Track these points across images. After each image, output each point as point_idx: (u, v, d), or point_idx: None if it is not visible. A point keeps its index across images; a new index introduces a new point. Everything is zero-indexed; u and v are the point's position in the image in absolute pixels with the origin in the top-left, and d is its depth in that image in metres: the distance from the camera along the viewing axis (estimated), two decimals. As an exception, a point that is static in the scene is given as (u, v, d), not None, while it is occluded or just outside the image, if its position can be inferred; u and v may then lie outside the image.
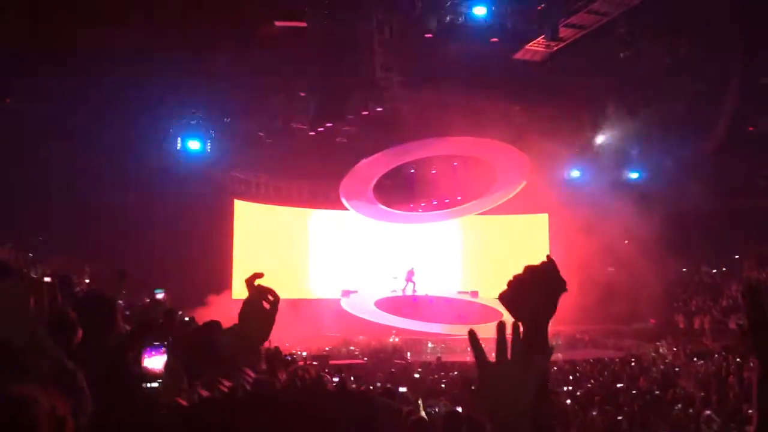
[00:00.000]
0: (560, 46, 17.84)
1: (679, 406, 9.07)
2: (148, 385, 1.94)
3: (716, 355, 17.20)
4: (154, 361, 1.99)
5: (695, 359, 16.67)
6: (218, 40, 17.71)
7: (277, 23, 16.11)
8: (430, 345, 21.20)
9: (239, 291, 23.17)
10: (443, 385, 11.69)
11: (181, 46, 16.94)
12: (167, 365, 1.91)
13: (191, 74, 18.12)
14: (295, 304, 22.27)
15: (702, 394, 10.02)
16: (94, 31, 15.67)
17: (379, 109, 21.83)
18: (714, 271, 25.90)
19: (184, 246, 19.09)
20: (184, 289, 17.44)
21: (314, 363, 11.89)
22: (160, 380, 1.91)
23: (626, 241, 22.32)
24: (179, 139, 21.64)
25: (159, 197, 19.55)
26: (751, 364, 12.41)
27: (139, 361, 1.98)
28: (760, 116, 21.53)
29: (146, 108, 18.81)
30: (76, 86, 16.78)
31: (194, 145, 21.95)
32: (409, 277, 25.21)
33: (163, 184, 19.44)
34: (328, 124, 22.61)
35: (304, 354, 15.54)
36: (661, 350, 19.55)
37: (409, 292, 25.27)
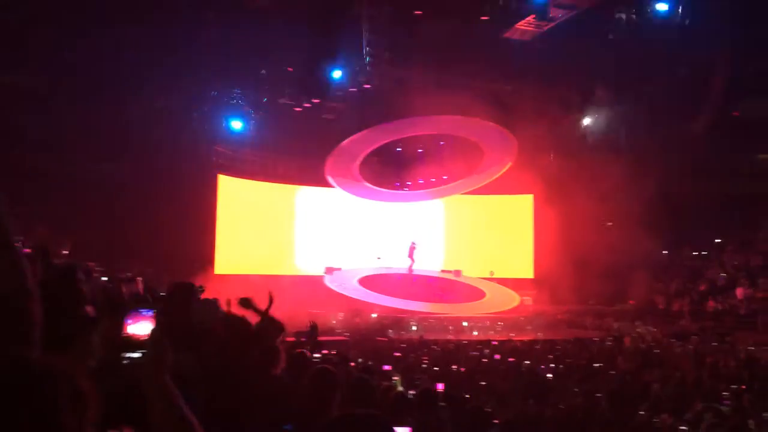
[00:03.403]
0: (550, 25, 17.76)
1: (657, 385, 9.21)
2: (128, 355, 1.82)
3: (694, 336, 17.48)
4: (140, 327, 1.86)
5: (673, 340, 16.92)
6: (205, 11, 17.47)
7: (265, -5, 15.87)
8: (412, 323, 21.32)
9: (222, 266, 23.24)
10: (425, 364, 11.77)
11: (167, 17, 16.70)
12: (153, 334, 1.76)
13: (179, 47, 17.87)
14: (277, 280, 22.29)
15: (678, 374, 10.18)
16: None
17: (366, 86, 21.67)
18: (695, 253, 26.22)
19: (166, 219, 18.96)
20: (166, 263, 17.36)
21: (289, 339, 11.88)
22: (143, 351, 1.75)
23: (609, 223, 22.51)
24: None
25: (142, 170, 19.37)
26: (727, 346, 12.64)
27: (120, 328, 1.88)
28: (746, 101, 21.68)
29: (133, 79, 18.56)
30: (52, 57, 16.52)
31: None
32: (411, 252, 25.07)
33: (147, 157, 19.24)
34: (315, 101, 22.43)
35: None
36: (639, 330, 19.81)
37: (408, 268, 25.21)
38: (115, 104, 18.31)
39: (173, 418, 1.60)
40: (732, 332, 18.33)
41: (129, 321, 1.86)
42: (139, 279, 6.02)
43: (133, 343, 1.85)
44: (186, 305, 3.45)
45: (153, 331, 1.80)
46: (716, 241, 25.75)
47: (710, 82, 19.93)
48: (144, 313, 1.88)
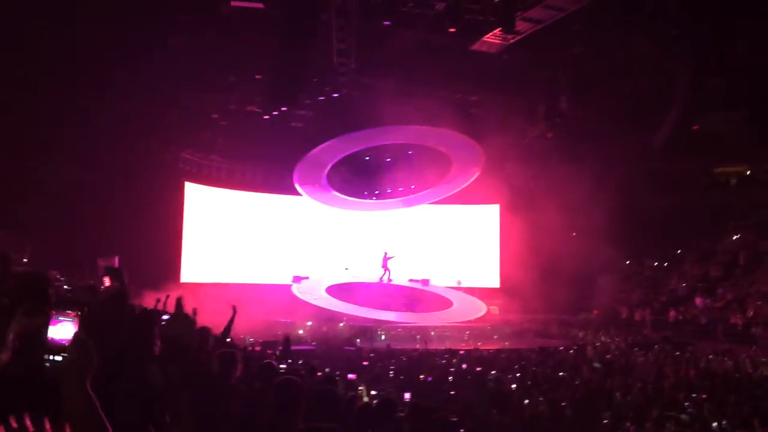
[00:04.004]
0: (517, 39, 18.02)
1: (618, 394, 9.36)
2: (52, 358, 1.72)
3: (655, 346, 17.81)
4: (62, 330, 1.75)
5: (635, 349, 17.21)
6: (173, 18, 17.28)
7: (233, 3, 15.75)
8: (380, 332, 21.32)
9: (188, 275, 22.93)
10: (392, 373, 11.77)
11: (135, 23, 16.49)
12: (76, 337, 1.68)
13: (147, 51, 17.64)
14: (245, 288, 22.09)
15: (640, 383, 10.36)
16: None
17: (335, 95, 21.68)
18: (656, 264, 26.76)
19: (131, 227, 18.63)
20: (131, 272, 17.02)
21: (257, 348, 11.77)
22: (65, 354, 1.68)
23: (573, 234, 22.85)
24: None
25: (106, 177, 19.03)
26: (688, 355, 12.91)
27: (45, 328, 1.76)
28: (705, 116, 22.26)
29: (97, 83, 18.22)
30: (16, 59, 16.15)
31: None
32: (385, 262, 25.16)
33: (111, 163, 18.92)
34: (283, 108, 22.34)
35: (251, 340, 15.37)
36: (602, 340, 20.13)
37: (385, 279, 25.24)
38: (79, 107, 17.97)
39: (89, 424, 1.58)
40: (693, 342, 18.73)
41: (51, 323, 1.76)
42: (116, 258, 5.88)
43: (55, 348, 1.74)
44: (147, 332, 3.40)
45: (76, 334, 1.72)
46: (677, 251, 26.34)
47: (671, 96, 20.42)
48: (66, 316, 1.77)
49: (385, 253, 25.20)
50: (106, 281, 3.89)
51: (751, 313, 19.75)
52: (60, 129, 17.78)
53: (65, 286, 8.00)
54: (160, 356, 3.30)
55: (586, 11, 16.97)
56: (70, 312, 1.76)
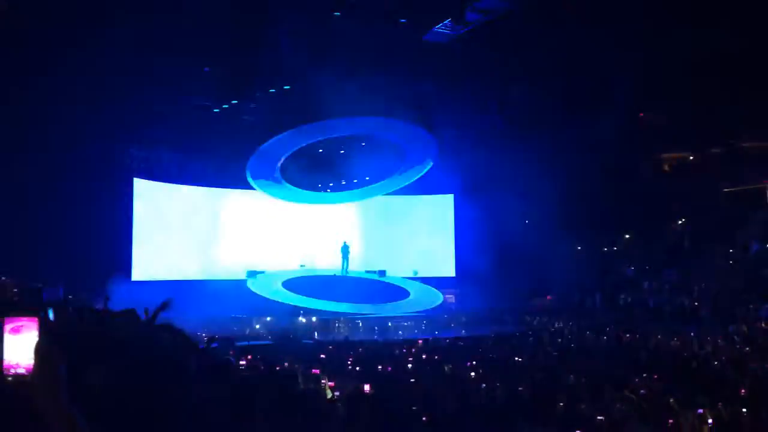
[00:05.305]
0: (467, 29, 18.13)
1: (572, 377, 9.58)
2: (12, 371, 1.54)
3: (607, 329, 18.30)
4: (22, 342, 1.56)
5: (587, 333, 17.64)
6: (116, 6, 16.76)
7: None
8: (338, 324, 21.30)
9: (140, 272, 22.43)
10: (350, 365, 11.77)
11: (79, 11, 15.95)
12: (39, 346, 1.47)
13: (90, 41, 17.06)
14: (199, 285, 21.77)
15: (593, 365, 10.62)
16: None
17: (286, 88, 21.45)
18: (605, 249, 27.47)
19: (79, 226, 18.11)
20: (81, 272, 16.59)
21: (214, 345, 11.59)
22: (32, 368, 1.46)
23: (526, 221, 23.25)
24: None
25: (50, 174, 18.42)
26: (638, 337, 13.28)
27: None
28: (650, 104, 22.88)
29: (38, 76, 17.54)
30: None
31: None
32: (345, 253, 25.20)
33: (56, 159, 18.31)
34: (233, 101, 21.99)
35: (205, 337, 15.13)
36: (556, 324, 20.57)
37: (344, 271, 25.23)
38: (15, 98, 17.27)
39: None
40: (642, 323, 19.32)
41: (8, 327, 1.56)
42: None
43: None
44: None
45: (39, 342, 1.49)
46: (625, 236, 27.10)
47: (617, 85, 20.88)
48: (24, 320, 1.56)
49: (344, 242, 25.26)
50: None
51: (696, 294, 20.49)
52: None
53: (14, 290, 7.74)
54: (107, 356, 3.21)
55: (534, 3, 17.20)
56: (25, 318, 1.56)
